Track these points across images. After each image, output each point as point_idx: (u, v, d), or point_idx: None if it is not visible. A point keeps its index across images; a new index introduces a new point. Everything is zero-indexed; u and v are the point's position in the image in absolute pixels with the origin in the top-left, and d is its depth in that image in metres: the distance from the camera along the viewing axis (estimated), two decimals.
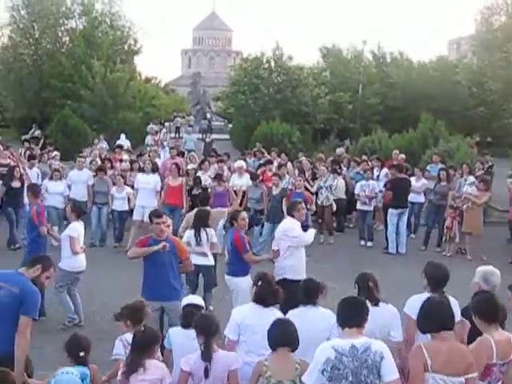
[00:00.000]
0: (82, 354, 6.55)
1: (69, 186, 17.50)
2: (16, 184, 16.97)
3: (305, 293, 7.51)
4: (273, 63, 42.41)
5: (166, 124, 48.31)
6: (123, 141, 29.02)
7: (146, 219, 12.94)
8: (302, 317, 7.14)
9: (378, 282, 7.53)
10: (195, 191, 16.64)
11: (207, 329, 6.45)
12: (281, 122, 35.64)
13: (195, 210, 12.43)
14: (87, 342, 6.72)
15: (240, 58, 63.22)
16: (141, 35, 49.80)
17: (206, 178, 18.38)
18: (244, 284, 10.12)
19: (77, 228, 11.52)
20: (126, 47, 49.35)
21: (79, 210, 11.90)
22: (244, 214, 10.91)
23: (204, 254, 11.50)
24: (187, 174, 18.67)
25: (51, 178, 17.44)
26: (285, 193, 16.93)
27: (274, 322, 6.40)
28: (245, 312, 7.39)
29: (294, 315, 7.14)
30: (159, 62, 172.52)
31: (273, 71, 41.68)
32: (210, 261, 11.70)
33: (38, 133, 38.55)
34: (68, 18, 48.70)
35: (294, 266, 10.68)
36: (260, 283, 7.45)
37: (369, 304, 6.58)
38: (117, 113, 40.96)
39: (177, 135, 44.91)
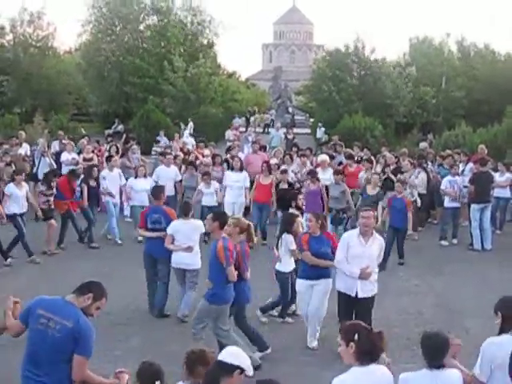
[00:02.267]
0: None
1: (156, 182, 17.18)
2: (93, 183, 17.19)
3: (430, 351, 5.80)
4: (354, 56, 42.12)
5: (252, 118, 48.56)
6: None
7: (237, 214, 15.87)
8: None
9: None
10: (282, 185, 16.95)
11: None
12: (363, 115, 35.37)
13: None
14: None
15: (322, 51, 62.96)
16: (221, 30, 49.99)
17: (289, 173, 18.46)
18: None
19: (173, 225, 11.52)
20: (205, 42, 49.55)
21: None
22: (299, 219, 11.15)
23: (279, 260, 11.28)
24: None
25: (136, 176, 17.60)
26: (381, 196, 16.53)
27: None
28: None
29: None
30: (240, 56, 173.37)
31: (355, 63, 41.40)
32: (285, 268, 11.28)
33: (120, 127, 39.22)
34: (148, 15, 49.37)
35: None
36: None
37: None
38: (198, 107, 41.29)
39: (265, 130, 45.22)
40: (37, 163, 20.13)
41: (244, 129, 35.08)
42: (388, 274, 13.96)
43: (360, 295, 9.57)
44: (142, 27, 49.34)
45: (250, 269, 9.64)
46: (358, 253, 9.53)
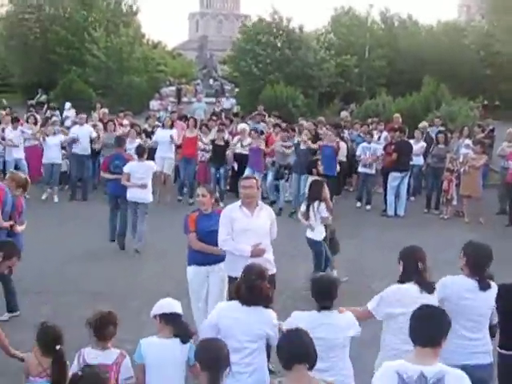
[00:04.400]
0: None
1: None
2: None
3: (319, 294, 6.11)
4: (273, 27, 42.03)
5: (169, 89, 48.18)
6: (68, 110, 27.57)
7: (166, 170, 18.50)
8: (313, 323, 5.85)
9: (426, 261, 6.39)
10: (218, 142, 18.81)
11: (214, 363, 5.02)
12: (285, 85, 35.55)
13: None
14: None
15: (249, 21, 62.74)
16: None
17: (206, 142, 19.00)
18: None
19: None
20: (124, 9, 48.95)
21: None
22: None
23: (311, 228, 11.42)
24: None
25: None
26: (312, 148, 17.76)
27: (284, 334, 5.19)
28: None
29: (303, 320, 5.85)
30: (167, 25, 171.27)
31: (272, 34, 41.38)
32: (317, 236, 11.48)
33: (43, 98, 38.60)
34: None
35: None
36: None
37: (420, 291, 6.06)
38: (121, 77, 40.91)
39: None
40: None
41: (175, 99, 34.72)
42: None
43: None
44: None
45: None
46: (244, 226, 8.13)
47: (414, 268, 6.21)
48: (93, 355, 5.84)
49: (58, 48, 43.30)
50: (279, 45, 40.91)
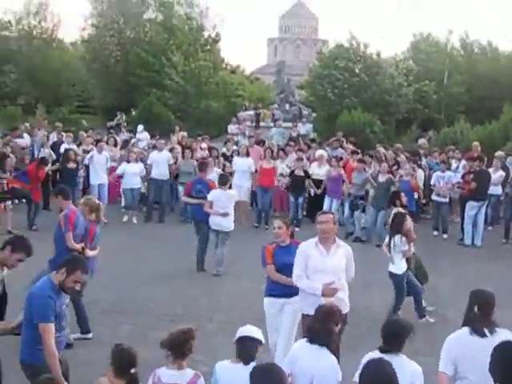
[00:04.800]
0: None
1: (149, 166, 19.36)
2: (71, 165, 18.58)
3: (387, 336, 5.97)
4: (351, 52, 41.99)
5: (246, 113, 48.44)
6: (140, 133, 27.45)
7: (242, 198, 18.23)
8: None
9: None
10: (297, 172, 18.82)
11: None
12: (362, 111, 35.48)
13: None
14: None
15: (326, 46, 62.91)
16: (219, 22, 49.99)
17: (283, 167, 19.19)
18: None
19: None
20: (205, 35, 49.59)
21: None
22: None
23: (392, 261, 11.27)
24: None
25: (128, 161, 19.01)
26: (392, 182, 17.42)
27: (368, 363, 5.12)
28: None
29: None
30: (246, 50, 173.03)
31: (350, 60, 41.32)
32: (397, 269, 11.24)
33: (123, 120, 39.44)
34: (148, 8, 49.42)
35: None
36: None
37: (470, 333, 5.99)
38: (199, 101, 41.45)
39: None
40: (36, 154, 20.45)
41: (254, 123, 34.88)
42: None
43: None
44: (144, 21, 49.32)
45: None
46: (318, 265, 8.11)
47: (471, 313, 6.17)
48: (168, 375, 5.88)
49: (138, 70, 44.10)
50: (357, 70, 40.84)
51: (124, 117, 38.74)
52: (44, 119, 30.54)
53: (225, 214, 13.74)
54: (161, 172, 19.13)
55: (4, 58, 47.55)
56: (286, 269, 8.42)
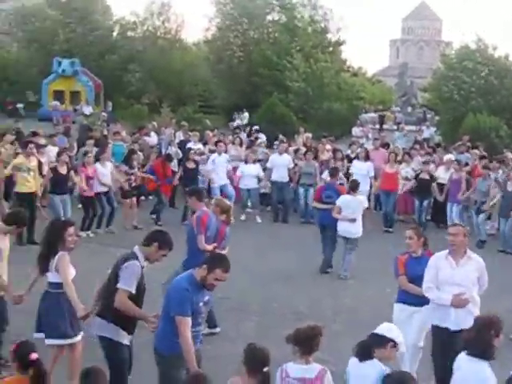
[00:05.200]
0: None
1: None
2: (191, 165, 18.69)
3: None
4: (477, 54, 40.91)
5: (368, 115, 48.15)
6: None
7: None
8: None
9: None
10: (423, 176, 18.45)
11: None
12: (488, 115, 34.55)
13: None
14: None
15: (450, 49, 61.68)
16: (342, 25, 49.94)
17: (407, 170, 18.97)
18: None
19: None
20: (328, 37, 49.56)
21: None
22: None
23: None
24: None
25: (246, 162, 19.31)
26: None
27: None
28: None
29: None
30: (368, 51, 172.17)
31: (478, 62, 40.26)
32: None
33: (246, 120, 40.01)
34: (272, 10, 49.79)
35: None
36: None
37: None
38: (321, 103, 41.45)
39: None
40: (163, 152, 20.93)
41: (377, 126, 34.76)
42: None
43: (452, 328, 7.97)
44: (268, 22, 49.76)
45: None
46: (448, 277, 8.11)
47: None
48: (296, 369, 5.95)
49: (261, 69, 44.49)
50: (484, 73, 39.78)
51: (247, 117, 39.32)
52: (171, 118, 31.21)
53: (353, 220, 13.62)
54: (281, 175, 19.20)
55: (129, 58, 49.13)
56: (418, 280, 8.47)
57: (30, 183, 14.84)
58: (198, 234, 9.84)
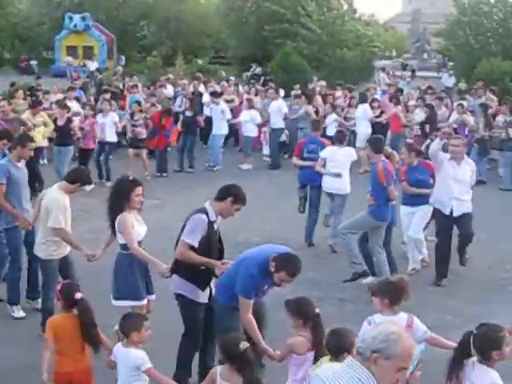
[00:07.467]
0: None
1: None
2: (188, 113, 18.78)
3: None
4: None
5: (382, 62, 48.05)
6: None
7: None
8: None
9: None
10: None
11: None
12: (503, 59, 34.35)
13: None
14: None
15: None
16: None
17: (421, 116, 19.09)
18: None
19: None
20: None
21: None
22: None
23: None
24: None
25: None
26: None
27: None
28: None
29: None
30: None
31: (493, 6, 39.88)
32: None
33: (258, 70, 39.99)
34: None
35: None
36: None
37: None
38: (334, 50, 41.31)
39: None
40: (179, 103, 21.14)
41: (399, 73, 34.67)
42: None
43: (455, 214, 10.12)
44: None
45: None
46: (452, 174, 10.12)
47: None
48: (384, 320, 5.71)
49: (270, 23, 44.26)
50: (495, 17, 39.45)
51: (259, 68, 39.31)
52: (185, 70, 31.33)
53: (338, 175, 11.70)
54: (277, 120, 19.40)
55: (141, 11, 48.97)
56: (417, 184, 10.67)
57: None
58: (388, 185, 9.82)
